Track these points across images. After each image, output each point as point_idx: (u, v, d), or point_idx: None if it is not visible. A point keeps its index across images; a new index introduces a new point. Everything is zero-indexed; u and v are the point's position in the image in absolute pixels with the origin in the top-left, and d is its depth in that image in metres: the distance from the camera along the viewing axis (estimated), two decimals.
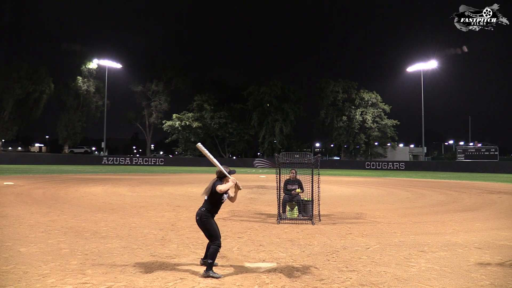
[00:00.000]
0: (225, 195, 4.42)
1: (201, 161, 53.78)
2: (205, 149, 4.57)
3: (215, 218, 4.47)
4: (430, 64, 50.08)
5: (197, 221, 4.39)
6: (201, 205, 4.44)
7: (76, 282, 3.91)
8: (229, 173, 4.41)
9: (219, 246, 4.28)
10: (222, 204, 4.56)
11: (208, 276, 4.13)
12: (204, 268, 4.29)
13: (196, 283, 3.96)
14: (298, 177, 8.51)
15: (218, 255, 4.96)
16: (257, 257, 5.07)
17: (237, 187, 4.45)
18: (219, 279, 4.09)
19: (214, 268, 4.37)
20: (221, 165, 4.45)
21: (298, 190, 8.29)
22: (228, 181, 4.38)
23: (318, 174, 8.01)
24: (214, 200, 4.37)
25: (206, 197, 4.42)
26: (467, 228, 7.44)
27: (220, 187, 4.23)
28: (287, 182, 8.42)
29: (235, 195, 4.61)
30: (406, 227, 7.46)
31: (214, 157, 4.59)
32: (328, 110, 61.48)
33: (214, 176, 4.51)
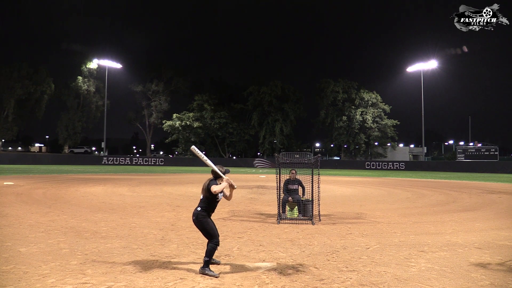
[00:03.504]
0: (220, 194, 4.47)
1: (201, 161, 53.69)
2: (199, 151, 4.66)
3: (212, 217, 4.51)
4: (430, 64, 50.08)
5: (194, 221, 4.44)
6: (197, 204, 4.47)
7: (76, 282, 3.91)
8: (224, 172, 4.45)
9: (217, 245, 4.33)
10: (220, 203, 4.60)
11: (204, 273, 4.19)
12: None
13: (196, 283, 3.96)
14: (298, 177, 8.52)
15: (219, 254, 5.00)
16: (257, 257, 5.07)
17: (231, 187, 4.48)
18: (218, 278, 4.10)
19: (215, 267, 4.42)
20: (216, 165, 4.51)
21: (304, 198, 8.31)
22: (222, 181, 4.42)
23: (318, 174, 8.00)
24: (209, 200, 4.41)
25: (201, 197, 4.46)
26: (467, 228, 7.44)
27: (215, 188, 4.27)
28: (287, 182, 8.42)
29: (231, 194, 4.64)
30: (406, 227, 7.46)
31: (208, 158, 4.65)
32: (328, 110, 61.53)
33: (210, 176, 4.54)
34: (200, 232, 4.47)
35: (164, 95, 64.39)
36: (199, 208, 4.40)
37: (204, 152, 63.90)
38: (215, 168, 4.45)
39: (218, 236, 4.40)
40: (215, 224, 4.53)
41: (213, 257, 4.50)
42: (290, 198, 8.21)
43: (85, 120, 62.80)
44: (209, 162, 4.56)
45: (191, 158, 56.09)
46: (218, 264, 4.64)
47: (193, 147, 4.79)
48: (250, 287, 3.90)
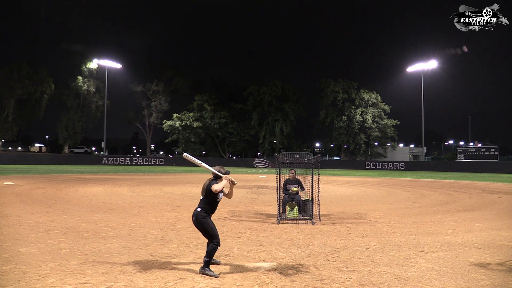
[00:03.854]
0: (220, 194, 4.46)
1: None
2: (192, 157, 4.62)
3: (212, 217, 4.49)
4: (430, 64, 50.15)
5: (193, 222, 4.42)
6: (197, 205, 4.46)
7: (76, 282, 3.91)
8: (224, 173, 4.43)
9: (218, 245, 4.31)
10: (220, 203, 4.59)
11: (204, 273, 4.19)
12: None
13: (196, 283, 3.96)
14: (298, 177, 8.53)
15: (219, 254, 5.00)
16: (257, 257, 5.07)
17: (232, 183, 4.47)
18: (218, 278, 4.10)
19: (215, 267, 4.41)
20: (215, 165, 4.51)
21: (294, 188, 8.25)
22: (222, 180, 4.42)
23: (318, 174, 8.01)
24: (209, 199, 4.40)
25: (201, 197, 4.46)
26: (467, 228, 7.44)
27: (215, 187, 4.27)
28: (286, 182, 8.44)
29: (231, 191, 4.63)
30: (406, 227, 7.46)
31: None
32: (328, 110, 61.59)
33: (210, 176, 4.54)
34: (200, 232, 4.45)
35: (164, 95, 64.41)
36: (199, 209, 4.39)
37: (203, 153, 64.07)
38: (213, 170, 4.45)
39: (219, 236, 4.40)
40: (215, 224, 4.53)
41: (213, 257, 4.50)
42: (293, 189, 8.17)
43: (85, 120, 62.84)
44: (204, 165, 4.56)
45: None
46: (218, 264, 4.64)
47: (185, 154, 4.75)
48: (250, 287, 3.90)
